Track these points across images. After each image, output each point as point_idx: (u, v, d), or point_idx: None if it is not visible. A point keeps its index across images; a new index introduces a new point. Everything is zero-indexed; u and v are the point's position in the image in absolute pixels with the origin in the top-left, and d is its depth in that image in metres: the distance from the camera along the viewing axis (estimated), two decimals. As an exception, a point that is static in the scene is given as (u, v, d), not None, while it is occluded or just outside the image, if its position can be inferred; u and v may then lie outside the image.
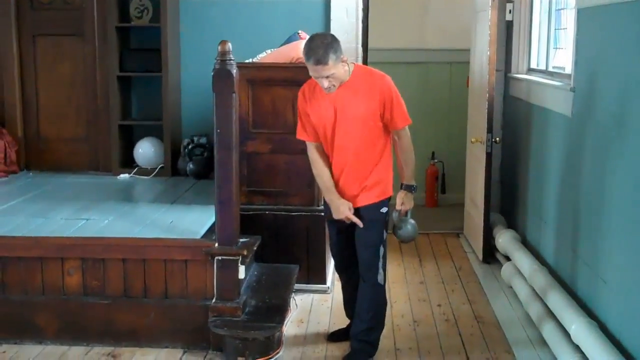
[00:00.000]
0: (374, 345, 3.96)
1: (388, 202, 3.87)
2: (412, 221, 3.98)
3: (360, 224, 3.79)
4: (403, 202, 3.89)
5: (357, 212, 3.82)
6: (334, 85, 3.64)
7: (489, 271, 5.42)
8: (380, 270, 3.85)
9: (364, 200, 3.82)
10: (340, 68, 3.59)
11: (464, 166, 6.44)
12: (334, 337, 4.19)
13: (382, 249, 3.85)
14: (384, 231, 3.86)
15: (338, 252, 4.05)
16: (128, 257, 4.07)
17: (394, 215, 3.92)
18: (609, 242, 3.65)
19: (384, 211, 3.83)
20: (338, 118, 3.71)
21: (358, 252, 3.88)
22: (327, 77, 3.57)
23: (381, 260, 3.85)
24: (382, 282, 3.88)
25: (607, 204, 3.68)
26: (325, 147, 3.84)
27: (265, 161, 4.82)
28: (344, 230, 3.90)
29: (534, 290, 4.50)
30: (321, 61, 3.50)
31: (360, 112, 3.69)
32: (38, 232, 4.25)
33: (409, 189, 3.88)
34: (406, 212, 3.95)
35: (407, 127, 3.80)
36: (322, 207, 4.63)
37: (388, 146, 3.83)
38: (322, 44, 3.52)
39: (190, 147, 5.75)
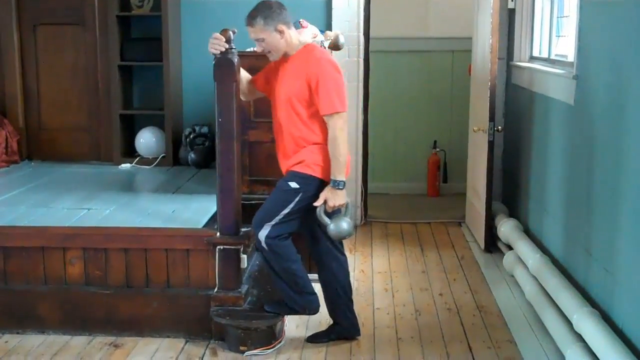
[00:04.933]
0: (286, 305, 3.93)
1: (308, 181, 3.70)
2: (346, 219, 3.69)
3: None
4: (326, 198, 3.65)
5: None
6: (269, 53, 3.74)
7: (490, 260, 5.42)
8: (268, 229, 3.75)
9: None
10: (274, 37, 3.68)
11: (466, 155, 6.43)
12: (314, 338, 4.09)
13: (278, 217, 3.73)
14: (288, 206, 3.71)
15: None
16: (130, 246, 4.07)
17: (317, 211, 3.67)
18: (611, 230, 3.64)
19: (293, 186, 3.70)
20: (276, 93, 3.78)
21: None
22: (257, 40, 3.70)
23: (274, 224, 3.75)
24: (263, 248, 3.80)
25: (609, 192, 3.67)
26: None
27: (267, 150, 4.79)
28: None
29: (535, 279, 4.49)
30: (248, 22, 3.69)
31: (286, 90, 3.70)
32: (40, 222, 4.26)
33: (334, 184, 3.64)
34: (342, 210, 3.70)
35: (337, 117, 3.61)
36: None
37: (323, 137, 3.69)
38: (258, 8, 3.70)
39: (191, 136, 5.75)
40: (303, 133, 3.72)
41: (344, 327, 4.02)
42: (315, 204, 3.69)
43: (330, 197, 3.66)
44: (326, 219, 3.69)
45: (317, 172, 3.72)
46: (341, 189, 3.65)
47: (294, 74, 3.69)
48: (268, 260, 3.86)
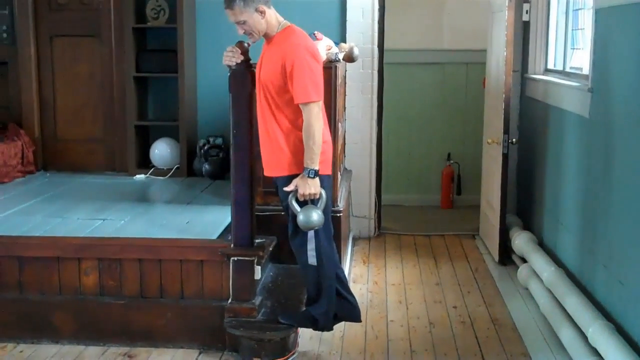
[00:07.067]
0: (313, 319, 3.89)
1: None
2: (317, 210, 3.60)
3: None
4: (297, 185, 3.58)
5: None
6: (251, 35, 3.65)
7: (505, 273, 5.39)
8: (311, 253, 3.75)
9: (268, 171, 3.77)
10: (255, 18, 3.58)
11: (480, 167, 6.42)
12: None
13: (309, 232, 3.71)
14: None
15: None
16: (144, 257, 4.08)
17: (289, 197, 3.62)
18: (626, 243, 3.62)
19: (289, 190, 3.65)
20: (257, 80, 3.72)
21: None
22: (238, 23, 3.59)
23: (310, 242, 3.74)
24: (314, 263, 3.76)
25: (624, 206, 3.65)
26: None
27: (281, 162, 4.80)
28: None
29: (550, 292, 4.47)
30: (226, 5, 3.58)
31: (263, 75, 3.64)
32: (55, 232, 4.28)
33: (306, 172, 3.55)
34: (315, 200, 3.62)
35: (312, 106, 3.52)
36: (337, 207, 4.63)
37: (294, 124, 3.62)
38: None
39: (206, 147, 5.77)
40: (276, 119, 3.65)
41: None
42: (286, 189, 3.65)
43: (301, 185, 3.58)
44: (296, 207, 3.62)
45: (295, 170, 3.65)
46: (312, 177, 3.56)
47: (271, 59, 3.62)
48: (311, 272, 3.85)
